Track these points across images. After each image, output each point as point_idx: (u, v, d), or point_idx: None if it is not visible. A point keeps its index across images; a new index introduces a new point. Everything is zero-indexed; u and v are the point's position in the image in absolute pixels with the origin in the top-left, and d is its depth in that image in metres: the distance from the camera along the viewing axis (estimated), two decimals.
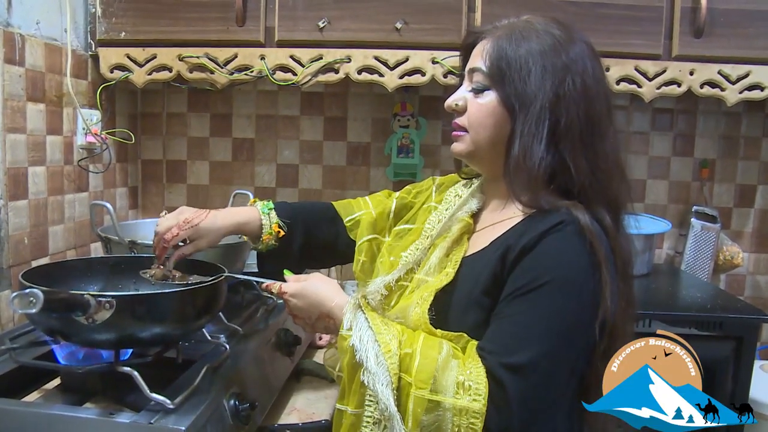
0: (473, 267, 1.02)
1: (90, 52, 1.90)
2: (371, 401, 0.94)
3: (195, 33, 1.86)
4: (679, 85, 1.87)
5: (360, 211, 1.33)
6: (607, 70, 1.85)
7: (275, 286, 1.11)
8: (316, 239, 1.32)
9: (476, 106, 1.04)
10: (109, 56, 1.89)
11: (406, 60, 1.86)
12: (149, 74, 1.91)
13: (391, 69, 1.87)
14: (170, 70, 1.90)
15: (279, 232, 1.27)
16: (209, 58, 1.88)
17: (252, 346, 1.39)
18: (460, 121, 1.07)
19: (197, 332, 1.26)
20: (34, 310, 0.84)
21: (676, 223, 2.28)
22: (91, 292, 0.99)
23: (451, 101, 1.07)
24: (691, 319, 1.65)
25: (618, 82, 1.87)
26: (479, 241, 1.06)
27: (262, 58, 1.87)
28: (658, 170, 2.30)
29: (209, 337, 1.32)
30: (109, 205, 1.49)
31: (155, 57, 1.89)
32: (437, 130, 2.27)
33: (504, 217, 1.04)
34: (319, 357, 1.80)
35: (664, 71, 1.86)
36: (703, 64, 1.86)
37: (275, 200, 1.31)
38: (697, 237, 2.18)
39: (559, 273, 0.91)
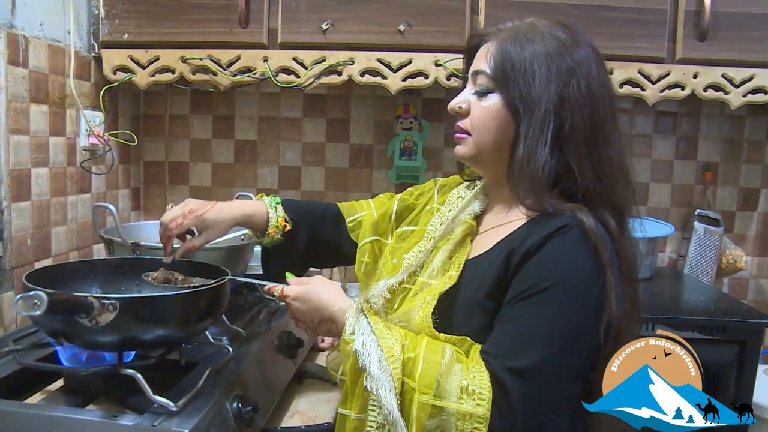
0: (476, 270, 1.02)
1: (93, 54, 1.90)
2: (374, 406, 0.93)
3: (198, 35, 1.87)
4: (683, 89, 1.87)
5: (362, 212, 1.34)
6: (611, 73, 1.85)
7: (277, 288, 1.10)
8: (321, 238, 1.32)
9: (480, 109, 1.03)
10: (112, 58, 1.90)
11: (409, 62, 1.86)
12: (152, 76, 1.91)
13: (394, 71, 1.87)
14: (173, 71, 1.90)
15: (285, 226, 1.27)
16: (212, 60, 1.88)
17: (255, 348, 1.39)
18: (463, 124, 1.06)
19: (200, 334, 1.25)
20: (38, 313, 0.83)
21: (679, 226, 2.28)
22: (95, 294, 0.98)
23: (454, 104, 1.07)
24: (694, 322, 1.65)
25: (621, 85, 1.87)
26: (482, 244, 1.05)
27: (265, 60, 1.87)
28: (661, 173, 2.30)
29: (212, 340, 1.32)
30: (112, 207, 1.49)
31: (158, 59, 1.89)
32: (440, 133, 2.27)
33: (507, 220, 1.04)
34: (321, 360, 1.80)
35: (668, 74, 1.86)
36: (706, 67, 1.85)
37: None
38: (700, 240, 2.18)
39: (564, 276, 0.91)
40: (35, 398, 1.19)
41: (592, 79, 0.99)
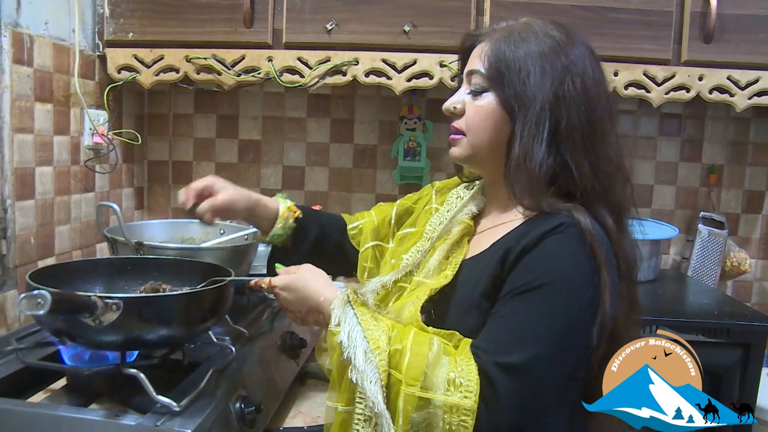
0: (473, 270, 1.01)
1: (98, 53, 1.90)
2: (361, 399, 0.92)
3: (202, 34, 1.86)
4: (688, 91, 1.86)
5: (363, 219, 1.34)
6: (616, 74, 1.85)
7: (265, 281, 1.10)
8: (328, 238, 1.32)
9: (474, 109, 1.03)
10: (117, 57, 1.90)
11: (414, 63, 1.85)
12: (156, 75, 1.91)
13: (399, 72, 1.87)
14: (177, 71, 1.90)
15: (296, 212, 1.27)
16: (216, 60, 1.88)
17: (257, 348, 1.39)
18: (457, 124, 1.07)
19: (203, 334, 1.25)
20: (41, 312, 0.83)
21: (683, 228, 2.27)
22: (98, 294, 0.98)
23: (449, 104, 1.07)
24: (697, 325, 1.64)
25: (626, 87, 1.86)
26: (480, 244, 1.05)
27: (270, 59, 1.87)
28: (666, 175, 2.29)
29: (215, 340, 1.32)
30: (115, 206, 1.49)
31: (162, 58, 1.89)
32: (444, 134, 2.25)
33: (505, 220, 1.04)
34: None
35: (673, 76, 1.85)
36: (712, 69, 1.85)
37: None
38: (704, 243, 2.17)
39: (558, 275, 0.91)
40: (38, 397, 1.19)
41: (587, 77, 0.99)
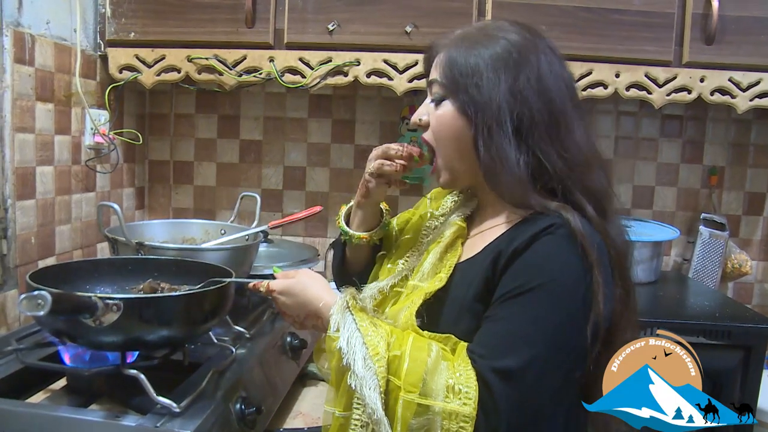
0: (466, 273, 1.01)
1: (99, 53, 1.90)
2: (359, 404, 0.92)
3: (204, 34, 1.86)
4: (690, 92, 1.86)
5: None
6: (617, 76, 1.85)
7: (263, 284, 1.10)
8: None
9: (436, 118, 1.05)
10: (118, 57, 1.90)
11: (416, 64, 1.85)
12: (158, 75, 1.91)
13: (401, 72, 1.86)
14: (179, 71, 1.90)
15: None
16: (218, 60, 1.88)
17: (258, 349, 1.39)
18: (426, 135, 1.08)
19: (204, 335, 1.25)
20: (42, 313, 0.83)
21: (684, 230, 2.27)
22: (99, 294, 0.98)
23: (415, 117, 1.09)
24: (698, 327, 1.64)
25: (628, 89, 1.86)
26: (473, 247, 1.05)
27: (271, 60, 1.87)
28: (667, 177, 2.29)
29: (215, 340, 1.32)
30: (116, 206, 1.48)
31: (164, 58, 1.89)
32: None
33: (496, 223, 1.04)
34: None
35: (675, 78, 1.85)
36: (714, 71, 1.85)
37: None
38: (705, 244, 2.17)
39: (550, 276, 0.91)
40: (38, 398, 1.19)
41: (543, 70, 0.99)
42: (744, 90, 1.86)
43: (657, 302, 1.85)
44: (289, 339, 1.55)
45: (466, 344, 0.93)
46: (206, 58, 1.87)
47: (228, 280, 1.18)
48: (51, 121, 1.67)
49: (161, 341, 1.09)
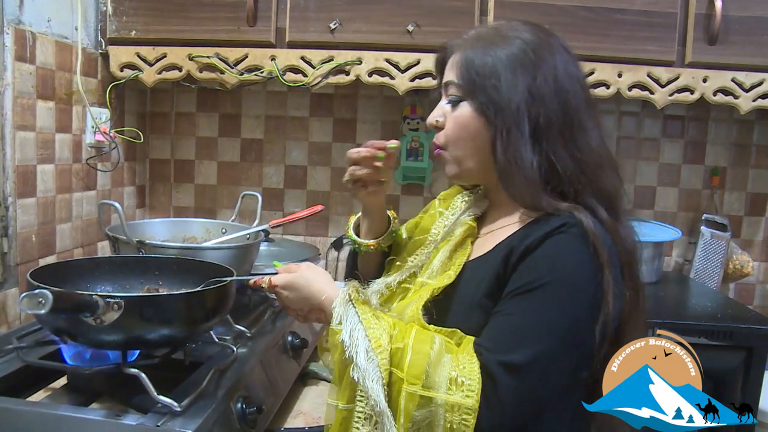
0: (476, 271, 1.02)
1: (100, 51, 1.89)
2: (362, 397, 0.92)
3: (205, 33, 1.86)
4: (692, 92, 1.86)
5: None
6: (620, 76, 1.84)
7: (264, 279, 1.10)
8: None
9: (453, 120, 1.05)
10: (120, 55, 1.89)
11: (417, 63, 1.85)
12: (159, 73, 1.90)
13: (402, 72, 1.86)
14: (180, 69, 1.90)
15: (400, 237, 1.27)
16: (219, 58, 1.87)
17: (259, 348, 1.38)
18: (437, 137, 1.08)
19: (205, 334, 1.25)
20: (42, 311, 0.83)
21: (686, 230, 2.26)
22: (100, 293, 0.98)
23: (431, 119, 1.08)
24: (700, 328, 1.64)
25: (630, 89, 1.86)
26: (483, 246, 1.05)
27: (273, 58, 1.87)
28: (669, 177, 2.29)
29: (216, 339, 1.32)
30: (117, 205, 1.48)
31: (165, 56, 1.89)
32: None
33: (507, 222, 1.04)
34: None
35: (677, 78, 1.85)
36: (716, 71, 1.84)
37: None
38: (706, 245, 2.17)
39: (561, 274, 0.91)
40: (38, 396, 1.19)
41: (558, 70, 0.99)
42: (747, 90, 1.85)
43: (658, 303, 1.85)
44: (290, 338, 1.55)
45: (472, 338, 0.94)
46: (207, 57, 1.87)
47: (229, 279, 1.18)
48: (52, 119, 1.67)
49: (162, 340, 1.09)
